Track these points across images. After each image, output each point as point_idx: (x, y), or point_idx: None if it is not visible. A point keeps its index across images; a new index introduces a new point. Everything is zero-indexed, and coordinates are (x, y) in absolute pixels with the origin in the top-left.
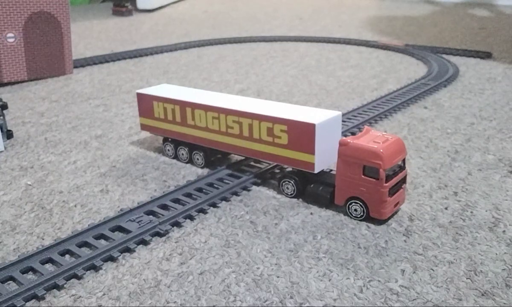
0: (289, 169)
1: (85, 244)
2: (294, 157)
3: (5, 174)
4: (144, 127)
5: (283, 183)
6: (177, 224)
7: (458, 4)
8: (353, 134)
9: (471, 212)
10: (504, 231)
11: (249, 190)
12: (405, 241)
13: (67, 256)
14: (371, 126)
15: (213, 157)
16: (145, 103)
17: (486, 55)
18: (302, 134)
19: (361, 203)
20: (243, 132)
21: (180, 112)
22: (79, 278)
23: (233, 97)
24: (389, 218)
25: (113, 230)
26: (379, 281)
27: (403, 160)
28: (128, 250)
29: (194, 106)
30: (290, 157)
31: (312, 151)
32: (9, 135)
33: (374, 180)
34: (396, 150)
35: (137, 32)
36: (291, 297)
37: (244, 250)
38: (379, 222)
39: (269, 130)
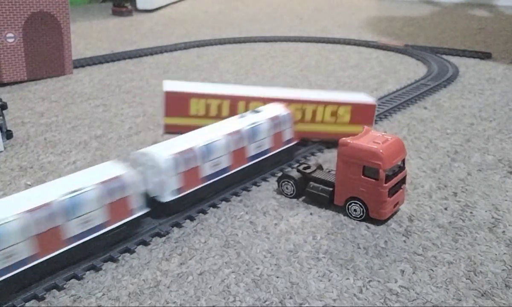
0: (288, 169)
1: None
2: (355, 130)
3: (4, 174)
4: (170, 127)
5: (283, 184)
6: (177, 225)
7: (457, 4)
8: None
9: (471, 212)
10: (503, 232)
11: (248, 191)
12: (404, 241)
13: None
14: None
15: None
16: (178, 102)
17: (485, 56)
18: (364, 112)
19: (360, 204)
20: (305, 117)
21: (230, 107)
22: (78, 278)
23: (270, 89)
24: (388, 219)
25: None
26: (378, 281)
27: (403, 161)
28: (128, 250)
29: (249, 99)
30: (352, 131)
31: (371, 123)
32: (8, 135)
33: (373, 180)
34: (395, 150)
35: (137, 32)
36: (291, 298)
37: (243, 251)
38: (379, 222)
39: (333, 112)
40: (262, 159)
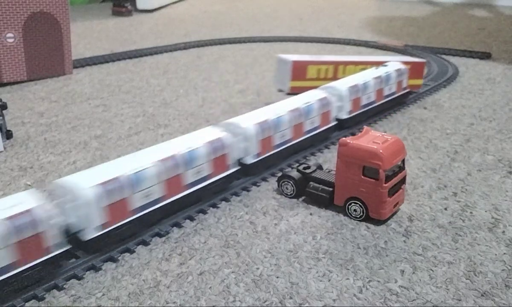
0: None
1: None
2: (412, 83)
3: (4, 175)
4: (293, 89)
5: (283, 184)
6: (177, 225)
7: (457, 4)
8: (353, 134)
9: (471, 212)
10: (503, 232)
11: (248, 191)
12: (404, 241)
13: None
14: (370, 126)
15: None
16: (299, 68)
17: (485, 56)
18: (418, 68)
19: (360, 204)
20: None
21: (334, 70)
22: (78, 278)
23: (357, 57)
24: (388, 219)
25: None
26: (378, 281)
27: (403, 161)
28: (128, 250)
29: (346, 63)
30: (410, 83)
31: (421, 77)
32: (8, 135)
33: (373, 180)
34: (395, 150)
35: (136, 32)
36: (291, 298)
37: (243, 251)
38: (379, 222)
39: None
40: (391, 99)
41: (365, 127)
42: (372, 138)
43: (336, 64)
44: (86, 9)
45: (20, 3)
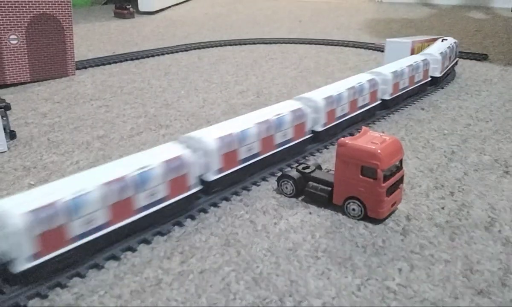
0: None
1: None
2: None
3: (8, 174)
4: None
5: (282, 183)
6: (178, 223)
7: (455, 6)
8: (351, 134)
9: (467, 211)
10: (499, 231)
11: (249, 190)
12: (402, 240)
13: None
14: (369, 127)
15: None
16: (412, 48)
17: (482, 57)
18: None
19: (359, 203)
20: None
21: (422, 46)
22: (81, 276)
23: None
24: (386, 218)
25: None
26: (376, 279)
27: (400, 161)
28: (130, 248)
29: (426, 41)
30: None
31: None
32: (12, 135)
33: (372, 180)
34: (393, 150)
35: (138, 34)
36: (290, 296)
37: (244, 249)
38: (377, 221)
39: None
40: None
41: (364, 127)
42: (370, 138)
43: (423, 42)
44: (88, 11)
45: (24, 5)
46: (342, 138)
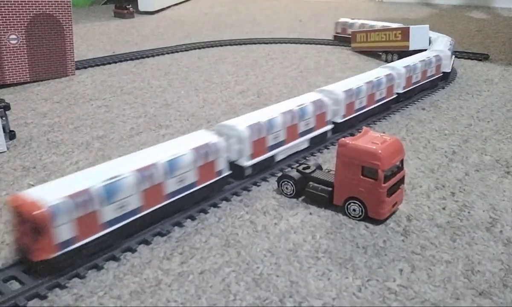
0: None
1: None
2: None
3: (7, 175)
4: (354, 48)
5: (282, 184)
6: (178, 224)
7: (455, 6)
8: (352, 135)
9: (469, 212)
10: (501, 231)
11: (249, 190)
12: (403, 241)
13: None
14: (369, 127)
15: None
16: (354, 35)
17: (483, 57)
18: (405, 33)
19: (359, 203)
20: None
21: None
22: (81, 277)
23: (378, 22)
24: (387, 218)
25: None
26: (377, 280)
27: (401, 161)
28: (130, 249)
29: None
30: (401, 45)
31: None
32: (11, 135)
33: (372, 180)
34: (394, 151)
35: (138, 34)
36: (291, 296)
37: (244, 250)
38: (378, 222)
39: (395, 35)
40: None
41: (364, 128)
42: (371, 139)
43: (371, 32)
44: (88, 11)
45: (23, 5)
46: (343, 138)
